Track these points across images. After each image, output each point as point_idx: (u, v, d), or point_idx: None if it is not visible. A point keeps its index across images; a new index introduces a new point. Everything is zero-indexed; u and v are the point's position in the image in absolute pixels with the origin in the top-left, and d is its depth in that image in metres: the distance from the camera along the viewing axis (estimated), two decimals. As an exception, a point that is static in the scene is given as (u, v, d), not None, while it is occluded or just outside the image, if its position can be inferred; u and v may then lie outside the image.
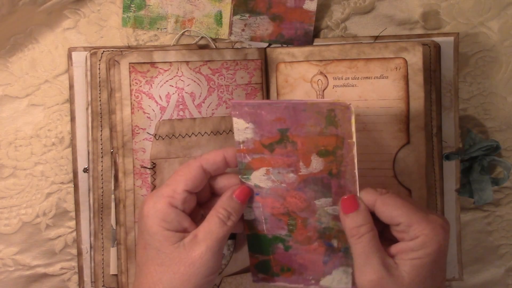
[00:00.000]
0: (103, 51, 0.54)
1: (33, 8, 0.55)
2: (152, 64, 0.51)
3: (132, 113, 0.51)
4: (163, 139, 0.51)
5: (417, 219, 0.41)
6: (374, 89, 0.53)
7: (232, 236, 0.53)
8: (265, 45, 0.57)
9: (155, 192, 0.44)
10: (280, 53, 0.55)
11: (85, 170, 0.55)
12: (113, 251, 0.54)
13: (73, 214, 0.57)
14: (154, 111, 0.51)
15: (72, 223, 0.57)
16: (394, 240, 0.43)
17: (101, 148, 0.54)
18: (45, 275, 0.58)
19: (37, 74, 0.56)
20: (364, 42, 0.56)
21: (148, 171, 0.51)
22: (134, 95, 0.51)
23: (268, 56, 0.55)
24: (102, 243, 0.55)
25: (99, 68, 0.54)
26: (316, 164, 0.43)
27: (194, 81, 0.52)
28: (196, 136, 0.52)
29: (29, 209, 0.57)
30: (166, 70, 0.52)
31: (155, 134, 0.51)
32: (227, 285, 0.55)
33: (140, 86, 0.51)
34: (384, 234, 0.44)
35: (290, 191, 0.45)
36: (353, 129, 0.41)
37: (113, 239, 0.54)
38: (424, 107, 0.52)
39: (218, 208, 0.44)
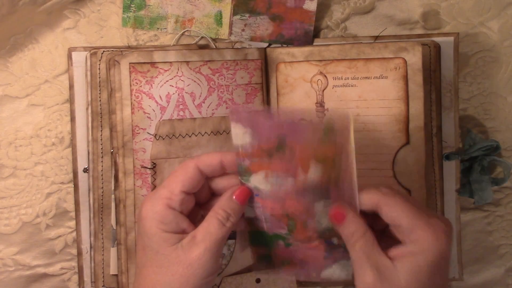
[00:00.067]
0: (103, 51, 0.54)
1: (33, 8, 0.55)
2: (152, 64, 0.51)
3: (132, 113, 0.51)
4: (163, 139, 0.51)
5: (418, 223, 0.41)
6: (373, 89, 0.53)
7: (232, 236, 0.53)
8: (265, 45, 0.57)
9: (152, 193, 0.44)
10: (280, 53, 0.55)
11: (85, 170, 0.55)
12: (113, 251, 0.54)
13: (73, 214, 0.57)
14: (154, 111, 0.51)
15: (72, 223, 0.57)
16: (397, 239, 0.43)
17: (101, 148, 0.54)
18: (45, 275, 0.58)
19: (37, 74, 0.56)
20: (364, 42, 0.56)
21: (148, 171, 0.51)
22: (134, 95, 0.51)
23: (268, 56, 0.55)
24: (102, 243, 0.55)
25: (99, 68, 0.54)
26: (315, 170, 0.43)
27: (194, 81, 0.52)
28: (196, 136, 0.52)
29: (29, 209, 0.57)
30: (166, 70, 0.52)
31: (155, 134, 0.51)
32: (227, 285, 0.55)
33: (140, 86, 0.51)
34: (387, 233, 0.44)
35: (289, 195, 0.44)
36: (352, 136, 0.41)
37: (113, 239, 0.54)
38: (423, 107, 0.52)
39: (217, 209, 0.43)
